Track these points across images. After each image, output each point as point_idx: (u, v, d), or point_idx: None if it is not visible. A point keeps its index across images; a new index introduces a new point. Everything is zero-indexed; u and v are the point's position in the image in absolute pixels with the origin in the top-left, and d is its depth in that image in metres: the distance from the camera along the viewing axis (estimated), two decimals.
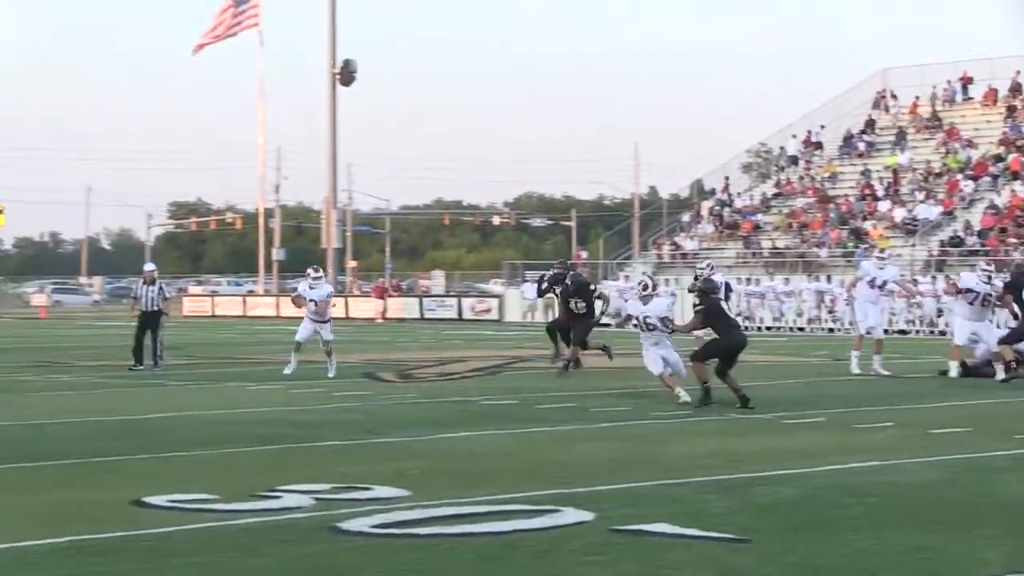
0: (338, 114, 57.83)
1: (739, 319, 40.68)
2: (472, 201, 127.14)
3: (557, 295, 21.90)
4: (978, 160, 47.00)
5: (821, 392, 17.76)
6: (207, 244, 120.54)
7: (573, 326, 20.71)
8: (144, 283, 22.82)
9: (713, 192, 53.65)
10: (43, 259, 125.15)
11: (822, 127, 53.14)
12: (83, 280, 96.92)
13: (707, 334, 17.00)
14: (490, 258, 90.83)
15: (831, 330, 37.89)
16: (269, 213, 71.06)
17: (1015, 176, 45.21)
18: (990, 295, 19.65)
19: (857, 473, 10.18)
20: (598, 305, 21.62)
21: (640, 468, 10.46)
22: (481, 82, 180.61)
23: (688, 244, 49.37)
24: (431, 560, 7.06)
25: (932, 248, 42.56)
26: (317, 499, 8.80)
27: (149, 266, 23.91)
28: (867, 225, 45.25)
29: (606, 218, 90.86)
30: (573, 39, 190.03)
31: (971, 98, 52.04)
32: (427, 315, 52.11)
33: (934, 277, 38.21)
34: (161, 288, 22.76)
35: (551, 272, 22.87)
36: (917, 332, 36.20)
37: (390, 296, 55.09)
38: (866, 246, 41.00)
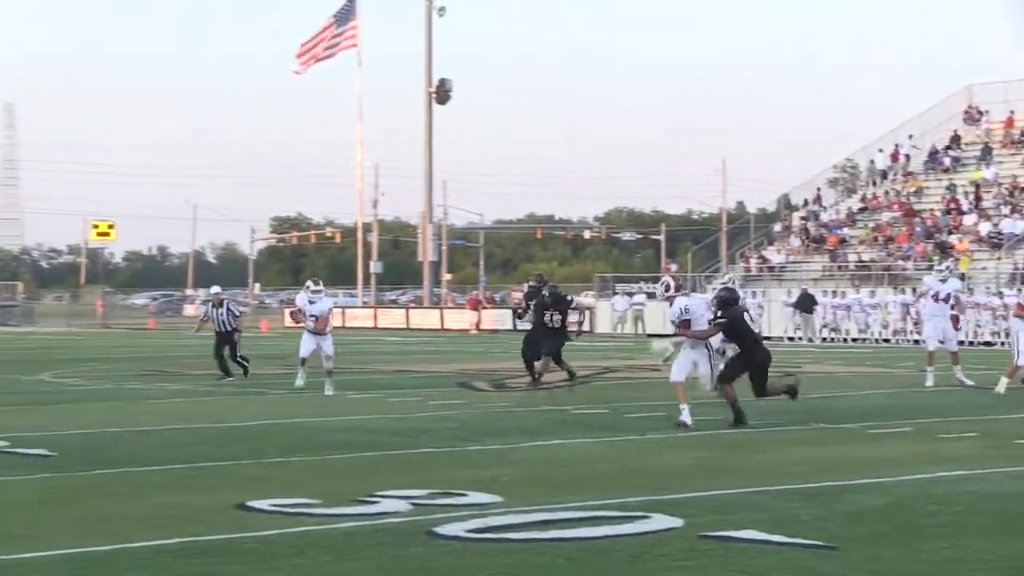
0: (434, 132, 58.74)
1: (825, 331, 41.23)
2: (563, 215, 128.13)
3: (532, 309, 20.91)
4: None
5: (906, 403, 17.69)
6: (307, 257, 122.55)
7: (543, 340, 19.97)
8: (213, 305, 23.14)
9: (806, 203, 53.73)
10: (151, 272, 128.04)
11: (910, 137, 53.05)
12: (188, 292, 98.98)
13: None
14: (581, 271, 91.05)
15: (916, 342, 37.45)
16: (367, 227, 71.96)
17: None
18: None
19: (943, 482, 10.20)
20: (575, 317, 20.97)
21: (727, 476, 10.58)
22: (572, 99, 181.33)
23: (775, 257, 49.55)
24: (524, 564, 7.17)
25: (1018, 261, 42.30)
26: (414, 504, 8.97)
27: (215, 289, 24.23)
28: (952, 239, 45.12)
29: (694, 232, 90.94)
30: (662, 56, 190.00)
31: None
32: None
33: (1020, 289, 37.76)
34: (229, 309, 23.02)
35: (527, 286, 21.94)
36: (1002, 344, 35.66)
37: (484, 308, 55.50)
38: (952, 258, 40.84)
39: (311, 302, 19.55)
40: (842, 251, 48.04)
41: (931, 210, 48.18)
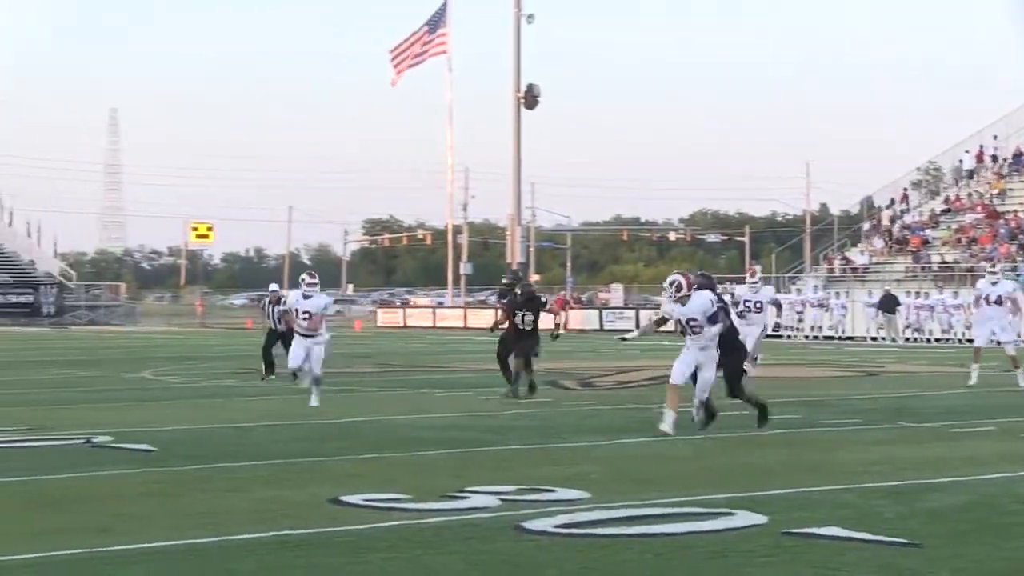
0: (522, 135, 59.12)
1: (908, 331, 40.90)
2: (649, 218, 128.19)
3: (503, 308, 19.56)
4: None
5: (989, 402, 17.55)
6: (399, 259, 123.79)
7: (516, 341, 18.62)
8: (270, 303, 23.19)
9: (892, 202, 53.55)
10: (248, 273, 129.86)
11: (995, 138, 52.66)
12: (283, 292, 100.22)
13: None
14: (667, 272, 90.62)
15: (998, 342, 36.99)
16: (457, 230, 72.57)
17: None
18: None
19: None
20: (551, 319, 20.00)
21: (810, 473, 10.64)
22: (657, 103, 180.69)
23: (859, 259, 49.46)
24: (610, 559, 7.27)
25: None
26: (502, 500, 9.10)
27: (273, 286, 24.43)
28: None
29: (779, 233, 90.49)
30: (746, 60, 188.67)
31: None
32: (606, 326, 52.76)
33: None
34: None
35: (501, 284, 20.92)
36: None
37: (571, 308, 55.71)
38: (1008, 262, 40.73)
39: (305, 296, 17.28)
40: (925, 252, 48.05)
41: (1015, 212, 47.87)
